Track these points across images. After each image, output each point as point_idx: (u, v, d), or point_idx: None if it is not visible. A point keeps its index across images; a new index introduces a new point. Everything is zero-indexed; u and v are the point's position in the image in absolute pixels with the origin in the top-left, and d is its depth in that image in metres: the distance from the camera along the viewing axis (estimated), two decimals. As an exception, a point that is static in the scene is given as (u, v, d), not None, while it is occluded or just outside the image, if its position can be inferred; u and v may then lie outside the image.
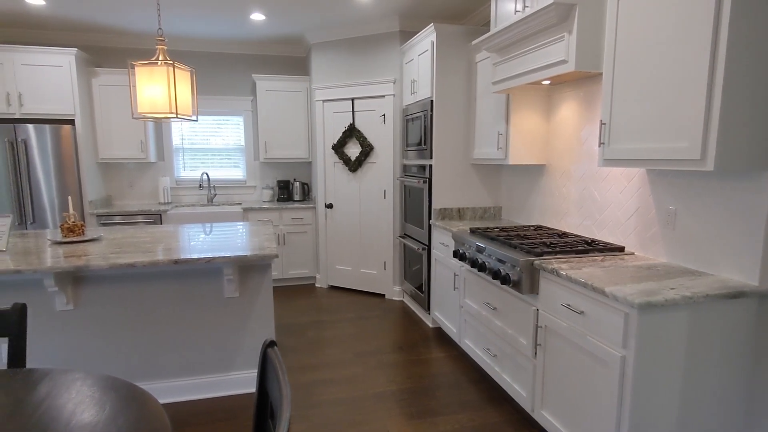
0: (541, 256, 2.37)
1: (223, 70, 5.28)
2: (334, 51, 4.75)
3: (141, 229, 3.40)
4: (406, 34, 4.37)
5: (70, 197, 2.95)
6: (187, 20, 4.33)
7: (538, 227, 3.18)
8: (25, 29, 4.60)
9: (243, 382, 2.89)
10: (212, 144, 5.38)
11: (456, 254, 3.13)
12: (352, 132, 4.72)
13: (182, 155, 5.30)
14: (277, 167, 5.54)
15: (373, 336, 3.79)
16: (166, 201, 5.05)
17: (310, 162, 5.49)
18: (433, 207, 3.82)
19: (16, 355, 1.49)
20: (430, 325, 3.97)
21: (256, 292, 2.87)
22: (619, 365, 1.77)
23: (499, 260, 2.58)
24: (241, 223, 3.62)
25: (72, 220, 2.94)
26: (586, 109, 2.84)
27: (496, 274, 2.57)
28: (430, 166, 3.81)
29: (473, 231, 3.15)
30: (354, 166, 4.74)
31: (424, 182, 3.88)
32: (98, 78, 4.60)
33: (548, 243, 2.58)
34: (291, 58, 5.44)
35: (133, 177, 5.15)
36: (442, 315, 3.67)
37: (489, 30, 3.59)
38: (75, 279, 2.61)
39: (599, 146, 2.22)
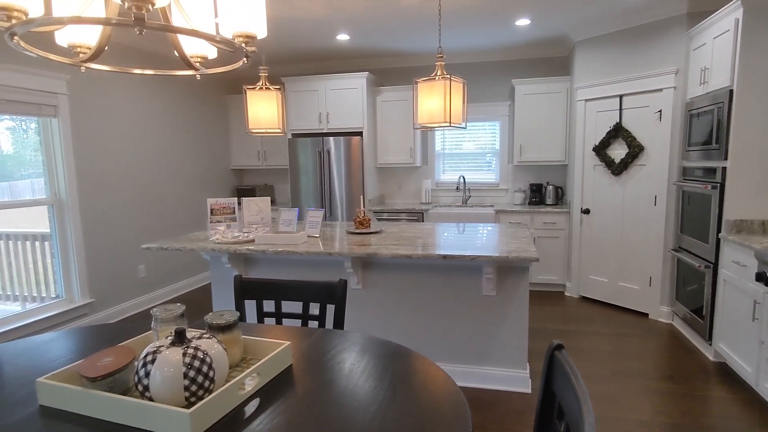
0: None
1: (483, 78, 5.54)
2: (600, 47, 4.44)
3: (411, 225, 3.87)
4: (696, 16, 3.76)
5: (362, 196, 3.59)
6: (458, 36, 4.72)
7: None
8: (332, 61, 5.79)
9: (495, 378, 3.00)
10: (464, 149, 5.71)
11: (760, 278, 2.56)
12: (617, 132, 4.33)
13: (442, 160, 5.79)
14: (530, 170, 5.51)
15: (634, 357, 3.41)
16: (427, 201, 5.60)
17: (566, 165, 5.27)
18: (724, 218, 3.20)
19: (338, 319, 1.92)
20: (711, 358, 3.34)
21: (513, 293, 2.94)
22: None
23: (834, 291, 2.00)
24: (494, 224, 3.75)
25: (362, 215, 3.56)
26: None
27: (827, 309, 2.00)
28: (723, 168, 3.20)
29: (788, 251, 2.52)
30: (618, 168, 4.34)
31: (713, 188, 3.28)
32: (381, 95, 5.43)
33: None
34: (550, 59, 5.32)
35: (402, 179, 5.89)
36: (731, 348, 3.05)
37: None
38: (364, 263, 3.16)
39: None
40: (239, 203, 3.50)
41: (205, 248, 3.00)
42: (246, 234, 3.26)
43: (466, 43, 5.04)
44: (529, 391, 2.96)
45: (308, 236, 3.34)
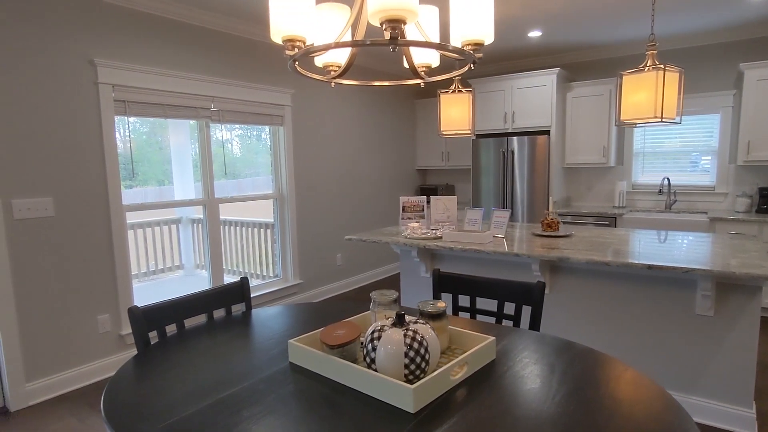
0: None
1: (698, 64, 4.80)
2: None
3: (605, 230, 3.58)
4: None
5: (550, 197, 3.45)
6: (669, 20, 4.19)
7: None
8: (521, 59, 5.67)
9: (707, 411, 2.60)
10: (666, 147, 5.02)
11: None
12: None
13: (641, 159, 5.20)
14: (761, 171, 4.58)
15: None
16: (621, 205, 5.10)
17: (815, 165, 4.25)
18: None
19: (535, 321, 1.89)
20: None
21: (737, 315, 2.50)
22: None
23: None
24: (708, 234, 3.22)
25: (550, 217, 3.43)
26: None
27: None
28: None
29: None
30: None
31: None
32: (572, 91, 5.13)
33: None
34: (796, 35, 4.34)
35: (591, 180, 5.46)
36: None
37: None
38: (552, 267, 3.04)
39: None
40: (427, 201, 3.69)
41: (398, 242, 3.24)
42: (434, 231, 3.42)
43: (679, 27, 4.43)
44: (755, 433, 2.49)
45: (493, 236, 3.35)
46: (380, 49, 4.99)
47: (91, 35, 3.14)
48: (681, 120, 2.90)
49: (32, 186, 2.92)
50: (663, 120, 2.73)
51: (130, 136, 3.52)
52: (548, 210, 3.46)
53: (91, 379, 3.23)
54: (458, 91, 3.31)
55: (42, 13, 2.91)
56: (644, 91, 2.76)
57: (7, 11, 2.77)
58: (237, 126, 4.37)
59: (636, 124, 2.92)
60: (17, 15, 2.81)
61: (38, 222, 2.96)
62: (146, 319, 1.72)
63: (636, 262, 2.49)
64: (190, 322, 3.50)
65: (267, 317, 1.98)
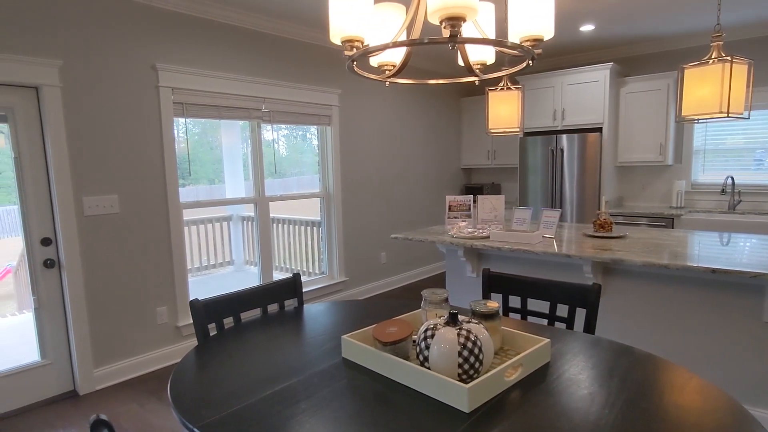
0: None
1: (766, 54, 4.50)
2: None
3: (662, 232, 3.42)
4: None
5: (602, 198, 3.33)
6: (739, 7, 3.94)
7: None
8: (571, 54, 5.50)
9: (777, 425, 2.44)
10: (728, 144, 4.73)
11: None
12: None
13: (702, 157, 4.93)
14: (838, 170, 4.24)
15: None
16: (679, 205, 4.85)
17: None
18: None
19: (590, 324, 1.84)
20: None
21: (812, 324, 2.33)
22: None
23: None
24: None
25: (603, 217, 3.31)
26: None
27: None
28: None
29: None
30: None
31: None
32: (626, 87, 4.93)
33: None
34: None
35: (646, 179, 5.23)
36: None
37: None
38: (605, 270, 2.93)
39: None
40: (474, 201, 3.65)
41: (444, 241, 3.22)
42: (480, 230, 3.38)
43: (747, 16, 4.16)
44: (832, 452, 2.31)
45: (543, 236, 3.27)
46: (429, 48, 4.97)
47: (153, 41, 3.30)
48: (749, 115, 2.73)
49: (100, 184, 3.11)
50: (729, 115, 2.58)
51: (186, 136, 3.68)
52: (600, 210, 3.35)
53: (150, 368, 3.41)
54: (507, 88, 3.26)
55: (113, 23, 3.09)
56: (708, 85, 2.62)
57: (88, 22, 2.96)
58: (283, 126, 4.47)
59: (698, 119, 2.78)
60: (95, 26, 2.99)
61: (105, 218, 3.14)
62: (206, 311, 1.80)
63: (698, 265, 2.37)
64: (245, 316, 3.61)
65: (318, 313, 2.02)
